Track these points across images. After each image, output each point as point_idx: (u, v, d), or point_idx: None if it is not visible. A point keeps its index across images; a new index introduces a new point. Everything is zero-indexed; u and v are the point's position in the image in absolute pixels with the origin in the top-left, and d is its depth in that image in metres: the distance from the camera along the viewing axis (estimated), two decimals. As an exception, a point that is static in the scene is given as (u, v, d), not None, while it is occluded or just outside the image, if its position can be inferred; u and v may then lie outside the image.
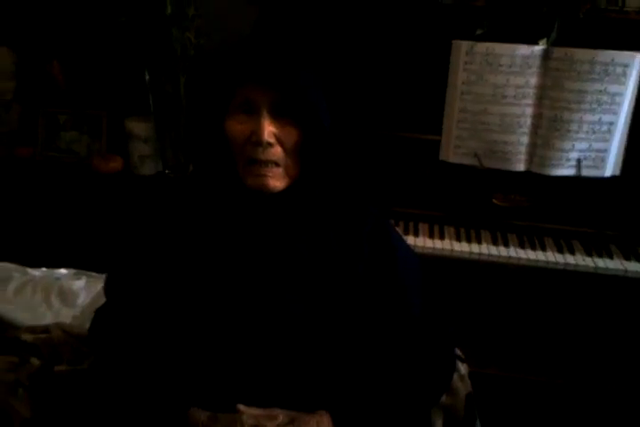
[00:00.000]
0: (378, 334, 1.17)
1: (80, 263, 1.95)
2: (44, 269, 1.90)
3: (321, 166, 1.15)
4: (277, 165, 1.11)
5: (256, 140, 1.08)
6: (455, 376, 1.26)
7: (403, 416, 1.16)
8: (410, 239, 1.91)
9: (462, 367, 1.29)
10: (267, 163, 1.10)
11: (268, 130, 1.08)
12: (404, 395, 1.15)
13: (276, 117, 1.09)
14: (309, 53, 1.13)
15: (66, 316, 1.68)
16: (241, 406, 1.09)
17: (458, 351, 1.32)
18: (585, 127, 1.88)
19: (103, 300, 1.28)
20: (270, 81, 1.06)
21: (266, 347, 1.12)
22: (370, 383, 1.14)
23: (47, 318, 1.65)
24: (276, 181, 1.12)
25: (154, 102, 2.31)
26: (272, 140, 1.08)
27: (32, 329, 1.50)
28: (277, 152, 1.10)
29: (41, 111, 2.48)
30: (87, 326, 1.28)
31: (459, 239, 1.95)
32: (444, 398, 1.26)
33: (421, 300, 1.22)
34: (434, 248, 1.90)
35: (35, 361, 1.39)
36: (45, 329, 1.52)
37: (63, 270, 1.90)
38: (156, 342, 1.16)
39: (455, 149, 1.98)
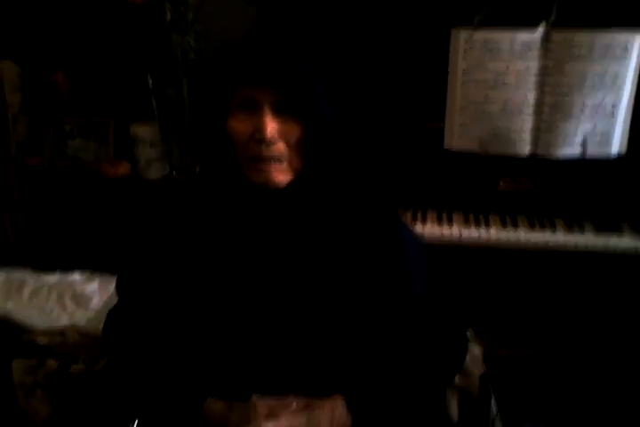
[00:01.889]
0: (389, 320, 1.18)
1: (93, 267, 1.97)
2: (57, 273, 1.91)
3: (324, 159, 1.16)
4: (281, 160, 1.11)
5: (259, 138, 1.08)
6: (468, 358, 1.25)
7: (417, 398, 1.16)
8: (418, 227, 1.91)
9: (475, 349, 1.29)
10: (270, 159, 1.10)
11: (271, 127, 1.08)
12: (417, 377, 1.15)
13: (278, 114, 1.09)
14: (308, 46, 1.13)
15: (80, 318, 1.70)
16: (255, 397, 1.10)
17: (470, 333, 1.31)
18: (588, 109, 1.88)
19: (116, 301, 1.29)
20: (270, 79, 1.07)
21: (277, 336, 1.13)
22: (383, 367, 1.15)
23: (62, 321, 1.67)
24: (280, 175, 1.12)
25: (158, 106, 2.33)
26: (275, 136, 1.09)
27: (47, 332, 1.51)
28: (280, 148, 1.10)
29: (47, 121, 2.50)
30: (101, 327, 1.29)
31: (467, 225, 1.94)
32: (458, 380, 1.26)
33: (431, 284, 1.22)
34: (442, 234, 1.90)
35: (51, 363, 1.41)
36: (60, 332, 1.53)
37: (76, 274, 1.92)
38: (168, 338, 1.18)
39: (459, 137, 1.98)
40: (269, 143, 1.08)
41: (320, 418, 1.09)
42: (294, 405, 1.09)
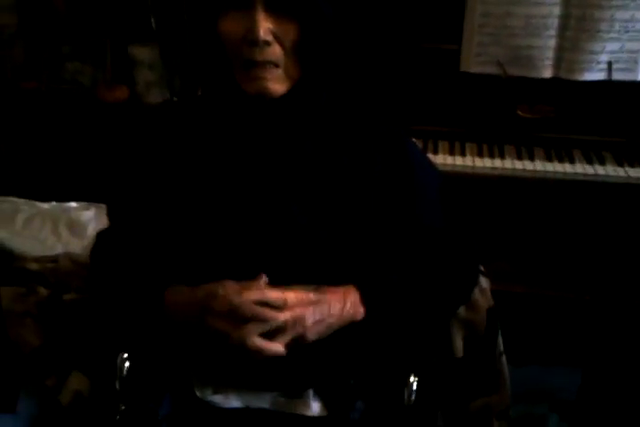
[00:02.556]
0: (395, 248, 1.10)
1: (89, 195, 1.91)
2: (53, 202, 1.86)
3: (324, 66, 1.05)
4: (276, 66, 1.01)
5: (251, 39, 0.97)
6: (476, 290, 1.20)
7: (421, 325, 1.11)
8: (429, 157, 1.81)
9: (484, 281, 1.22)
10: (264, 64, 1.00)
11: (264, 27, 0.97)
12: (423, 303, 1.09)
13: (273, 13, 0.98)
14: None
15: (75, 247, 1.65)
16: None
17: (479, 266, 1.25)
18: (617, 26, 1.74)
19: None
20: None
21: (272, 260, 1.05)
22: (390, 291, 1.07)
23: (57, 249, 1.63)
24: (276, 83, 1.02)
25: (157, 26, 2.21)
26: (269, 37, 0.98)
27: (39, 259, 1.47)
28: (276, 52, 0.99)
29: (44, 43, 2.40)
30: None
31: (481, 155, 1.84)
32: (464, 313, 1.20)
33: (441, 213, 1.14)
34: (454, 165, 1.80)
35: (42, 290, 1.37)
36: (53, 259, 1.49)
37: (72, 203, 1.87)
38: (158, 258, 1.10)
39: (476, 58, 1.85)
40: (263, 45, 0.97)
41: (331, 302, 1.00)
42: (264, 278, 0.99)
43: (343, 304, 1.01)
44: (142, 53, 2.23)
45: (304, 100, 1.06)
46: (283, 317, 0.95)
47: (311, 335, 0.98)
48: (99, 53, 2.36)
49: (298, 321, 0.96)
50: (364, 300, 1.03)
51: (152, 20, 2.21)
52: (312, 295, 0.99)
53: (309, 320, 0.97)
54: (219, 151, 1.10)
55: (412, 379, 1.10)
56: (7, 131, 2.27)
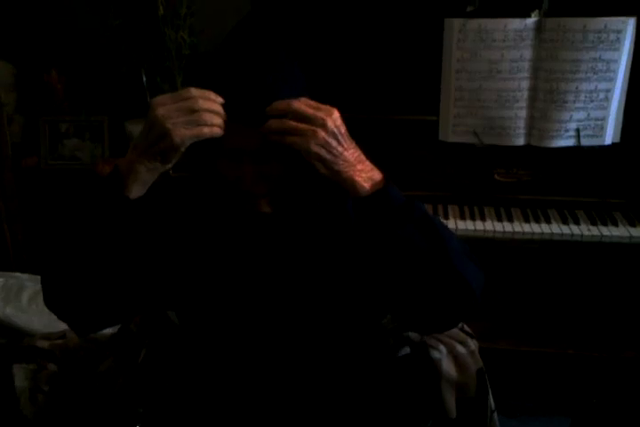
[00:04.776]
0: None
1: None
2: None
3: (309, 188, 1.16)
4: (264, 196, 1.12)
5: (240, 186, 1.08)
6: (465, 352, 1.27)
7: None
8: (413, 221, 1.90)
9: (472, 343, 1.30)
10: (254, 197, 1.12)
11: (252, 178, 1.05)
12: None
13: (259, 164, 1.05)
14: (293, 60, 1.07)
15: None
16: None
17: (467, 328, 1.32)
18: (582, 96, 1.86)
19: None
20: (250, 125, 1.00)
21: (272, 347, 1.13)
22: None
23: (62, 325, 1.65)
24: (266, 207, 1.14)
25: (153, 102, 2.31)
26: (256, 181, 1.07)
27: (48, 336, 1.52)
28: (263, 189, 1.09)
29: (42, 121, 2.50)
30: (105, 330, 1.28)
31: (463, 218, 1.95)
32: (455, 376, 1.26)
33: None
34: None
35: (52, 367, 1.41)
36: (61, 335, 1.54)
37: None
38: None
39: (454, 128, 1.97)
40: (251, 187, 1.08)
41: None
42: None
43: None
44: (138, 129, 2.28)
45: (290, 213, 1.16)
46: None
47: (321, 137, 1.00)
48: (97, 130, 2.46)
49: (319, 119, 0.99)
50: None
51: (148, 96, 2.33)
52: None
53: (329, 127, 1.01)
54: (213, 244, 1.15)
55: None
56: (8, 207, 2.33)
